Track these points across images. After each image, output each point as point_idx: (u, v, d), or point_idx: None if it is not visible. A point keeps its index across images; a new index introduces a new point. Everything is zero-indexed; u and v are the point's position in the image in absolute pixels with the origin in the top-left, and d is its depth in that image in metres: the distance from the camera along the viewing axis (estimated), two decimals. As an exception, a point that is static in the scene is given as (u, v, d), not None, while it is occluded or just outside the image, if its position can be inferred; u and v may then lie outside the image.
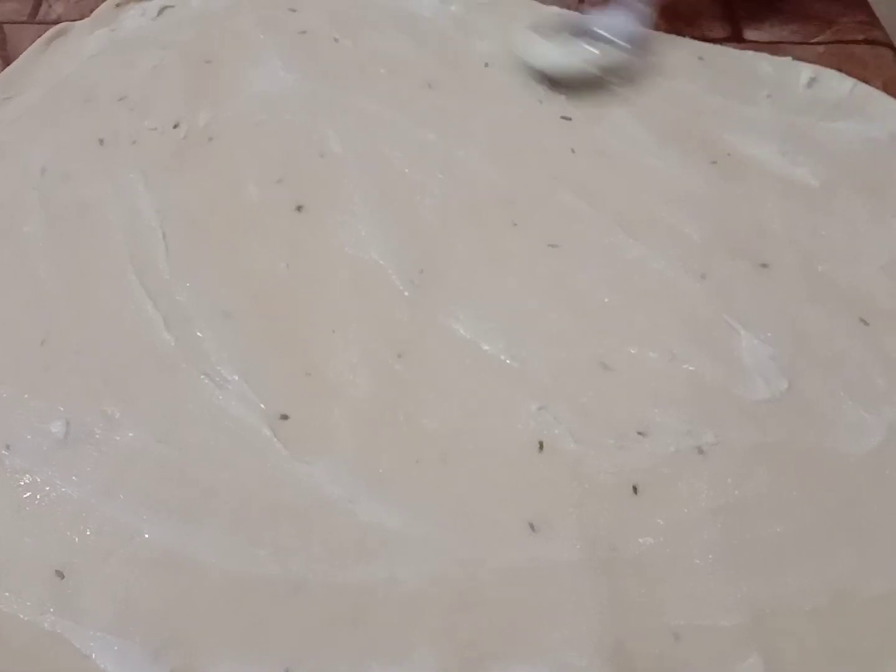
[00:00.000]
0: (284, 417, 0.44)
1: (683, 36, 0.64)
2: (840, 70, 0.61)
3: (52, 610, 0.39)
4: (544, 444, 0.43)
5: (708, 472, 0.42)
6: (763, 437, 0.43)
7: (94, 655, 0.37)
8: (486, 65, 0.61)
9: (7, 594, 0.39)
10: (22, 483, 0.42)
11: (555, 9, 0.66)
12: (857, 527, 0.41)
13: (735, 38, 0.65)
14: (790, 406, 0.44)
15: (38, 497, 0.42)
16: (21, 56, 0.63)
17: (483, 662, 0.37)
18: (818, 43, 0.65)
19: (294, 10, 0.65)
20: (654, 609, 0.39)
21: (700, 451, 0.43)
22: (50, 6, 0.68)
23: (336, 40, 0.63)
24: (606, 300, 0.48)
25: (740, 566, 0.39)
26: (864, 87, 0.59)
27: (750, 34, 0.66)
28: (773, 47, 0.63)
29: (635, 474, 0.42)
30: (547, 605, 0.39)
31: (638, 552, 0.40)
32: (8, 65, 0.63)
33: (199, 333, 0.47)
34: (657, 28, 0.65)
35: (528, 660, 0.37)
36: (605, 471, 0.42)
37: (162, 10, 0.66)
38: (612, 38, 0.59)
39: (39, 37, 0.64)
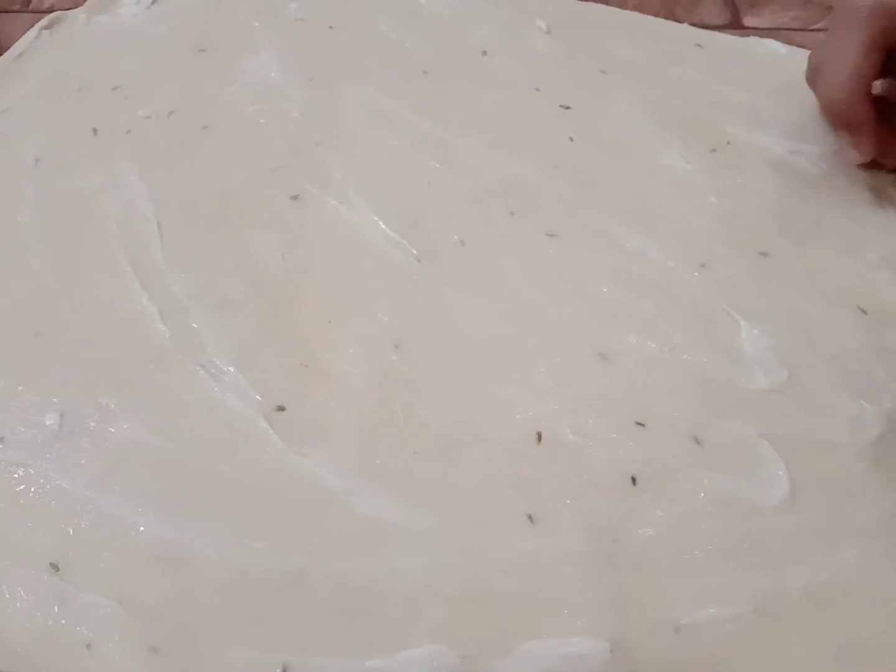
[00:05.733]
0: (281, 409, 0.44)
1: (682, 22, 0.64)
2: (840, 57, 0.60)
3: (47, 604, 0.38)
4: (542, 436, 0.43)
5: (707, 463, 0.42)
6: (763, 429, 0.43)
7: (89, 650, 0.37)
8: (485, 52, 0.61)
9: (2, 586, 0.39)
10: (16, 476, 0.42)
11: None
12: (857, 519, 0.40)
13: (734, 25, 0.65)
14: (790, 397, 0.44)
15: (32, 490, 0.41)
16: (14, 45, 0.63)
17: (484, 654, 0.37)
18: (818, 30, 0.64)
19: (290, -2, 0.65)
20: (655, 601, 0.38)
21: (699, 441, 0.43)
22: (43, -6, 0.68)
23: (332, 28, 0.62)
24: (605, 290, 0.48)
25: (741, 559, 0.39)
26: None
27: (749, 20, 0.65)
28: (772, 34, 0.63)
29: (634, 465, 0.42)
30: (548, 597, 0.38)
31: (638, 544, 0.40)
32: (1, 54, 0.62)
33: (194, 325, 0.47)
34: (655, 14, 0.65)
35: (529, 652, 0.37)
36: (603, 462, 0.42)
37: (156, -3, 0.65)
38: None
39: (32, 26, 0.64)
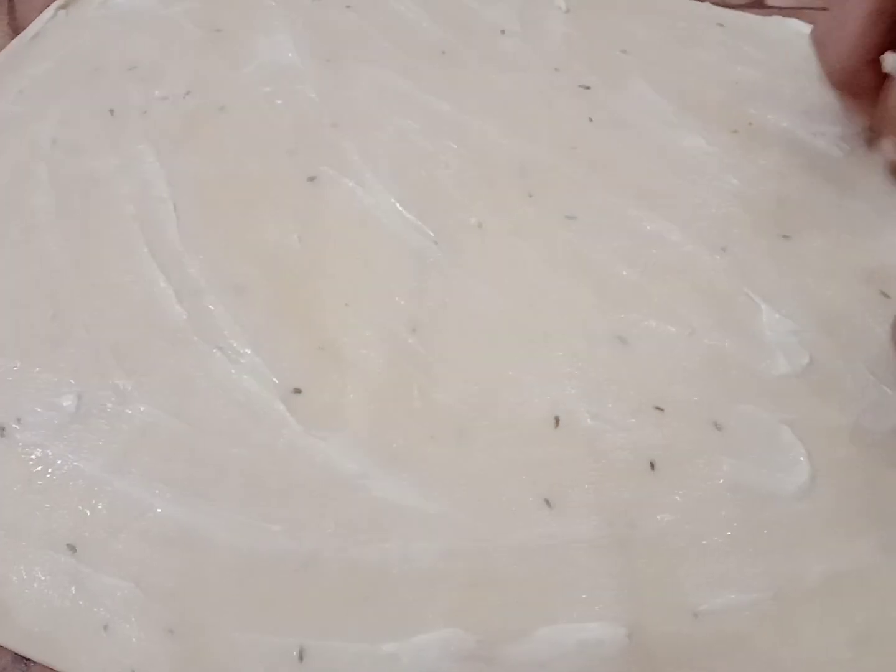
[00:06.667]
0: (297, 392, 0.44)
1: (703, 2, 0.63)
2: (864, 37, 0.59)
3: (64, 586, 0.38)
4: (560, 420, 0.42)
5: (727, 449, 0.41)
6: (783, 414, 0.42)
7: (106, 632, 0.37)
8: (503, 32, 0.60)
9: (20, 568, 0.39)
10: (33, 457, 0.42)
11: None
12: (877, 506, 0.40)
13: (757, 5, 0.64)
14: (811, 382, 0.43)
15: (49, 471, 0.42)
16: (30, 25, 0.63)
17: (498, 639, 0.37)
18: (842, 9, 0.63)
19: (306, -23, 0.64)
20: (673, 587, 0.38)
21: (718, 426, 0.42)
22: (59, -26, 0.67)
23: (348, 7, 0.62)
24: (625, 273, 0.48)
25: (759, 544, 0.39)
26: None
27: (772, 0, 0.64)
28: (795, 13, 0.62)
29: (652, 450, 0.42)
30: (563, 582, 0.38)
31: (655, 529, 0.39)
32: (17, 34, 0.62)
33: (211, 307, 0.46)
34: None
35: (544, 638, 0.37)
36: (621, 447, 0.42)
37: (172, -23, 0.65)
38: None
39: (48, 5, 0.64)
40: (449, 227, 0.50)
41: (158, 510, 0.40)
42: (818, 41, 0.50)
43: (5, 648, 0.38)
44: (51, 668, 0.37)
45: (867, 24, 0.46)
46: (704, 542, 0.39)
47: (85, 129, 0.56)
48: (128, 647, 0.37)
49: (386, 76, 0.57)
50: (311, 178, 0.52)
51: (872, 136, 0.53)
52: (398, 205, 0.51)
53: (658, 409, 0.43)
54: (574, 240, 0.49)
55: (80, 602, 0.38)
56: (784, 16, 0.62)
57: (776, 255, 0.48)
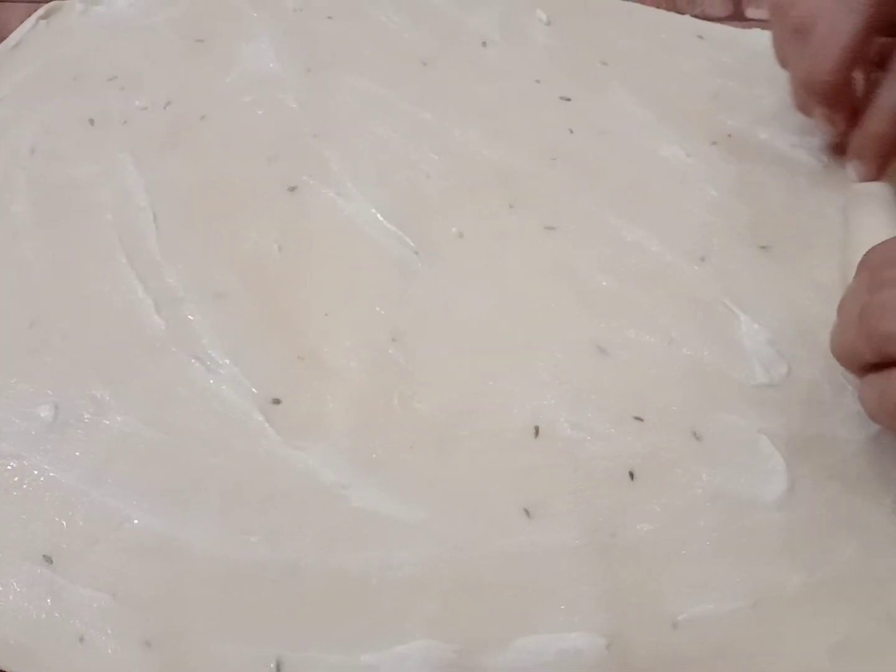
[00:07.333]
0: (276, 402, 0.43)
1: (683, 14, 0.63)
2: (842, 49, 0.60)
3: (40, 597, 0.38)
4: (540, 430, 0.43)
5: (706, 458, 0.42)
6: (762, 423, 0.42)
7: (82, 644, 0.37)
8: (484, 44, 0.60)
9: (-5, 580, 0.39)
10: (9, 468, 0.42)
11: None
12: (855, 515, 0.40)
13: (736, 17, 0.64)
14: (790, 392, 0.44)
15: (25, 482, 0.41)
16: (11, 34, 0.62)
17: (479, 649, 0.37)
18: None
19: (288, -12, 0.64)
20: (652, 596, 0.38)
21: (697, 436, 0.42)
22: (40, -17, 0.67)
23: (330, 18, 0.62)
24: (604, 283, 0.48)
25: (739, 553, 0.39)
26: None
27: (751, 12, 0.65)
28: (775, 26, 0.62)
29: (632, 460, 0.42)
30: (544, 591, 0.38)
31: (636, 539, 0.39)
32: (-2, 43, 0.62)
33: (189, 316, 0.46)
34: (657, 5, 0.64)
35: (524, 647, 0.37)
36: (601, 456, 0.42)
37: (153, -13, 0.65)
38: None
39: (29, 15, 0.63)
40: (429, 236, 0.50)
41: (136, 521, 0.40)
42: (791, 51, 0.51)
43: (-20, 661, 0.37)
44: (26, 681, 0.37)
45: (856, 40, 0.46)
46: (684, 551, 0.39)
47: (65, 137, 0.55)
48: (104, 658, 0.37)
49: (367, 86, 0.58)
50: (292, 188, 0.52)
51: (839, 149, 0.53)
52: (379, 214, 0.51)
53: (637, 418, 0.43)
54: (554, 249, 0.49)
55: (56, 614, 0.38)
56: (763, 28, 0.62)
57: (755, 265, 0.48)
